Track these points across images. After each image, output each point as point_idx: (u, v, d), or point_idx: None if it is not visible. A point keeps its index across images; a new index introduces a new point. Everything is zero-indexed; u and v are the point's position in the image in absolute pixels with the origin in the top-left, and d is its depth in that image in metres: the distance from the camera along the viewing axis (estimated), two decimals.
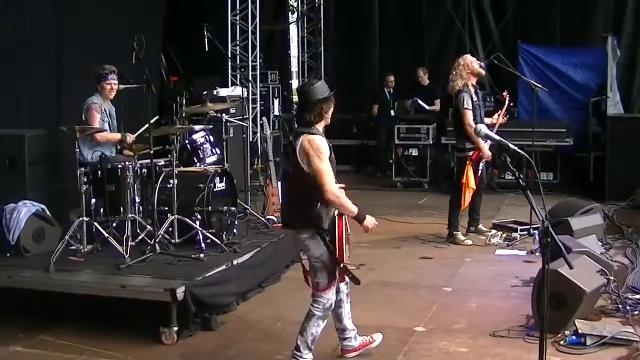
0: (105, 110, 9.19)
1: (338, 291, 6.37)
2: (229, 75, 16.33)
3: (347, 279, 6.32)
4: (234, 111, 13.03)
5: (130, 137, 9.18)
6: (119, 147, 9.42)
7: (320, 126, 6.15)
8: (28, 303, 7.80)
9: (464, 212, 10.93)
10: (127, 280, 7.49)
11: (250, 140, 14.50)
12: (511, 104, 12.08)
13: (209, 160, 9.79)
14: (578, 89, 16.32)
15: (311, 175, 5.96)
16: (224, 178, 9.21)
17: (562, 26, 17.12)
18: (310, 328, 6.19)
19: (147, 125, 8.80)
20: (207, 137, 9.93)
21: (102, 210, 8.60)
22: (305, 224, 6.05)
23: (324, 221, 6.02)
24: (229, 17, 16.30)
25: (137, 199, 8.76)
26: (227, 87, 15.64)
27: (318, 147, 5.97)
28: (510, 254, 10.16)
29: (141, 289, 7.31)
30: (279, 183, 11.22)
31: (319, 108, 6.10)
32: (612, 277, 8.00)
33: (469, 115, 10.33)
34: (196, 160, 9.72)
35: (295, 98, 19.48)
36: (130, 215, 8.56)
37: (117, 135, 9.25)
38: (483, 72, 10.84)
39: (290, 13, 19.87)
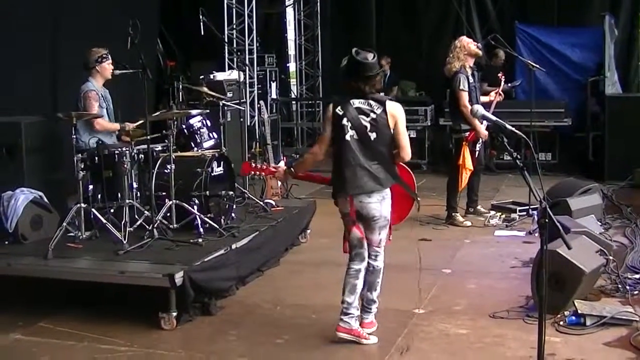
0: (101, 95, 9.16)
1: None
2: (226, 59, 16.29)
3: None
4: (231, 95, 13.00)
5: (130, 126, 9.16)
6: (117, 133, 9.40)
7: None
8: (27, 290, 7.79)
9: (463, 193, 10.94)
10: (125, 266, 7.47)
11: (248, 124, 14.46)
12: (508, 85, 12.07)
13: (206, 144, 9.77)
14: (576, 69, 16.34)
15: (391, 139, 6.42)
16: (222, 162, 9.18)
17: (559, 6, 17.14)
18: (380, 281, 6.67)
19: (143, 121, 8.76)
20: (204, 121, 9.90)
21: (99, 196, 8.57)
22: (387, 184, 6.44)
23: None
24: (225, 1, 16.24)
25: (135, 185, 8.71)
26: (224, 71, 15.61)
27: (403, 113, 6.51)
28: (509, 234, 10.18)
29: (140, 275, 7.29)
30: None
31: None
32: (611, 257, 8.03)
33: (465, 97, 10.33)
34: (193, 145, 9.70)
35: (293, 81, 19.56)
36: (128, 201, 8.52)
37: (116, 126, 9.20)
38: (480, 52, 10.85)
39: None
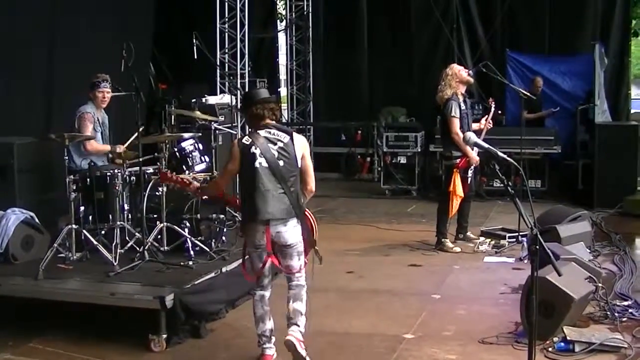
0: (98, 119, 9.20)
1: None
2: (218, 83, 16.32)
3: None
4: (222, 119, 13.03)
5: (120, 148, 9.19)
6: (110, 156, 9.43)
7: None
8: (17, 311, 7.77)
9: (453, 219, 10.95)
10: (116, 287, 7.49)
11: None
12: (499, 111, 12.13)
13: (197, 168, 9.79)
14: (566, 97, 16.42)
15: (299, 168, 6.50)
16: None
17: (550, 34, 17.20)
18: (305, 296, 6.55)
19: (135, 135, 8.76)
20: (196, 144, 9.93)
21: (91, 217, 8.60)
22: (295, 211, 6.42)
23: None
24: (218, 25, 16.27)
25: (126, 207, 8.74)
26: (216, 94, 15.64)
27: (307, 143, 6.70)
28: (499, 261, 10.17)
29: (130, 297, 7.30)
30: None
31: None
32: (600, 284, 8.05)
33: (456, 124, 10.36)
34: (185, 168, 9.72)
35: (284, 106, 19.60)
36: (119, 223, 8.55)
37: (107, 147, 9.25)
38: (471, 80, 10.89)
39: (279, 21, 19.96)
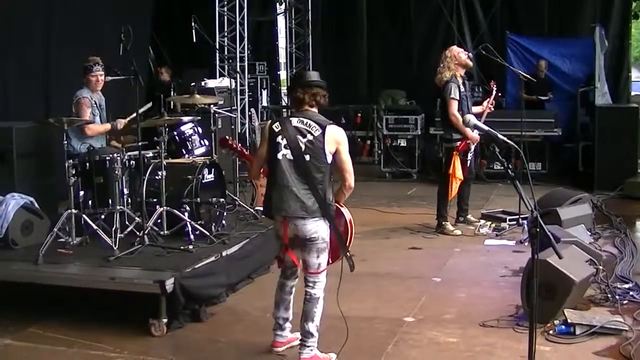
0: (95, 102, 9.17)
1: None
2: (217, 67, 16.30)
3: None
4: (222, 102, 13.00)
5: (121, 123, 9.16)
6: (108, 137, 9.41)
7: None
8: (17, 296, 7.76)
9: (453, 202, 10.94)
10: (116, 272, 7.47)
11: (239, 131, 14.46)
12: (499, 94, 12.10)
13: (197, 151, 9.78)
14: (566, 80, 16.42)
15: (329, 164, 6.12)
16: (213, 169, 9.18)
17: (550, 17, 17.21)
18: (319, 311, 6.26)
19: (138, 112, 8.71)
20: (195, 128, 9.91)
21: (90, 202, 8.56)
22: (322, 210, 6.10)
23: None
24: (217, 8, 16.26)
25: (126, 191, 8.69)
26: (215, 78, 15.62)
27: (345, 137, 6.24)
28: (499, 244, 10.17)
29: (130, 281, 7.29)
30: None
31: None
32: (601, 267, 8.05)
33: (455, 105, 10.33)
34: (184, 152, 9.71)
35: (284, 89, 19.59)
36: (118, 207, 8.52)
37: (107, 126, 9.23)
38: (470, 62, 10.85)
39: (278, 4, 19.90)
